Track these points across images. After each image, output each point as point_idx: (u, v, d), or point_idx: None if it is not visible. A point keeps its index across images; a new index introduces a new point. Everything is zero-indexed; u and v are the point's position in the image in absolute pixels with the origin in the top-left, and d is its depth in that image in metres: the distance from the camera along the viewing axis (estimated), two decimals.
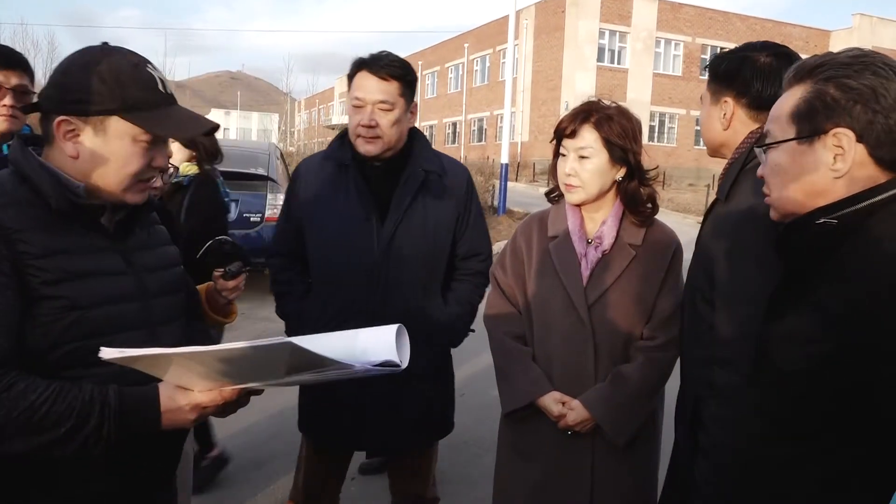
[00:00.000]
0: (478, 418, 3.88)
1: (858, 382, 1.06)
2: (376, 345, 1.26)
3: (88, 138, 1.25)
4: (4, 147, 2.16)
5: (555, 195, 2.06)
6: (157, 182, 2.18)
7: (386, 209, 2.12)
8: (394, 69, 2.07)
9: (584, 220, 1.98)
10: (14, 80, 2.16)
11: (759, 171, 1.27)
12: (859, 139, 1.10)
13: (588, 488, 1.94)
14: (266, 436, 3.71)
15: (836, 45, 32.72)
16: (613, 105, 1.96)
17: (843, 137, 1.11)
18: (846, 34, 33.55)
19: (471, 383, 4.66)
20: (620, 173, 1.93)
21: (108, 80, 1.24)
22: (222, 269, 1.63)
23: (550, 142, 2.03)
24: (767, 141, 1.23)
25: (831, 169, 1.13)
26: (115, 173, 1.28)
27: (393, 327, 1.31)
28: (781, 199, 1.21)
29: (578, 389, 1.92)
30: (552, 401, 1.91)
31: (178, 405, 1.23)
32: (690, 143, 32.12)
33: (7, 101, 2.13)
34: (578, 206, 1.97)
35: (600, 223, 1.96)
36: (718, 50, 33.42)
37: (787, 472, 1.17)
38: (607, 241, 1.93)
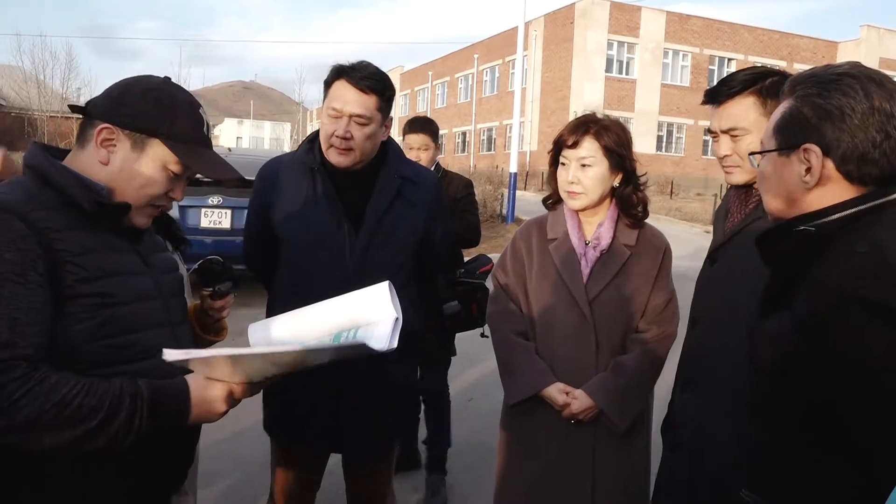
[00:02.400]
0: (487, 423, 3.80)
1: (814, 388, 1.10)
2: (373, 304, 1.38)
3: (125, 151, 1.32)
4: None
5: (551, 201, 2.20)
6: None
7: (357, 216, 2.05)
8: (374, 83, 2.00)
9: (581, 223, 2.12)
10: None
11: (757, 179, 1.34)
12: (826, 154, 1.15)
13: (590, 474, 2.05)
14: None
15: (843, 57, 32.70)
16: (608, 118, 2.12)
17: (811, 153, 1.16)
18: (853, 45, 33.52)
19: (479, 388, 4.76)
20: (617, 180, 2.08)
21: (164, 107, 1.33)
22: (211, 289, 1.62)
23: (549, 152, 2.18)
24: (760, 150, 1.29)
25: (802, 180, 1.18)
26: (135, 190, 1.33)
27: (383, 284, 1.44)
28: (769, 205, 1.27)
29: (580, 381, 2.03)
30: (556, 391, 2.02)
31: (209, 395, 1.27)
32: (698, 153, 32.17)
33: None
34: (579, 210, 2.10)
35: (597, 226, 2.11)
36: (726, 61, 32.81)
37: (775, 459, 1.23)
38: (605, 242, 2.08)
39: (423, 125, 3.46)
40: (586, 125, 2.06)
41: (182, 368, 1.27)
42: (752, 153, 1.32)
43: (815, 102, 1.16)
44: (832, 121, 1.15)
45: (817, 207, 1.17)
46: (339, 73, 2.04)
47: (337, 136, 2.00)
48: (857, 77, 1.16)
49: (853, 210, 1.14)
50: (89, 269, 1.23)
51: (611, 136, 2.05)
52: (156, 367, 1.25)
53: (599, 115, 2.11)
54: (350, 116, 1.99)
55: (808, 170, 1.17)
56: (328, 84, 2.06)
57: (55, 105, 23.72)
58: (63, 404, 1.14)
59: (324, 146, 2.07)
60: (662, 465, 1.90)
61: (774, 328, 1.18)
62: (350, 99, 1.99)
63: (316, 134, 2.16)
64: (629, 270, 2.08)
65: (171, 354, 1.16)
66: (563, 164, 2.09)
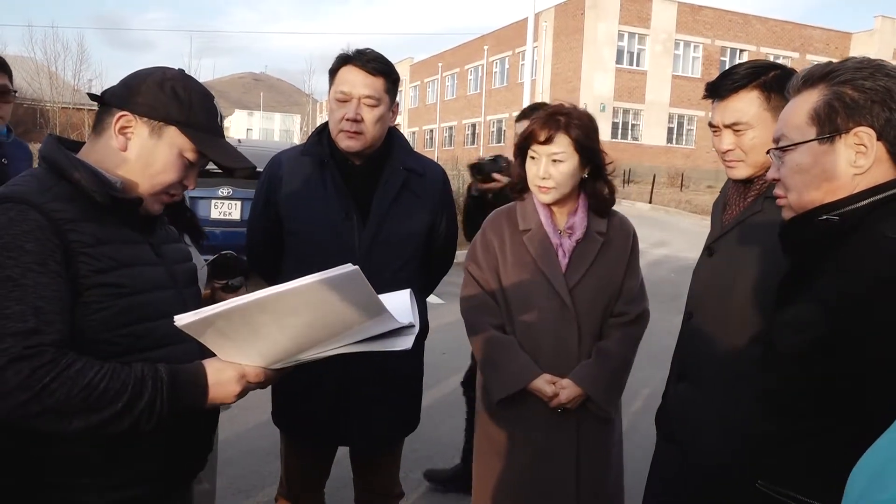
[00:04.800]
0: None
1: (846, 369, 1.12)
2: (395, 307, 1.31)
3: (142, 138, 1.34)
4: None
5: (517, 190, 2.18)
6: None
7: (365, 208, 2.07)
8: (380, 65, 2.04)
9: (553, 213, 2.12)
10: None
11: (771, 174, 1.31)
12: (879, 136, 1.16)
13: (574, 463, 2.07)
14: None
15: (857, 47, 32.40)
16: (573, 107, 2.09)
17: (864, 135, 1.17)
18: (867, 36, 33.17)
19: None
20: (586, 171, 2.09)
21: (181, 97, 1.35)
22: (223, 282, 1.63)
23: (515, 144, 2.15)
24: (783, 144, 1.27)
25: (853, 166, 1.18)
26: (151, 176, 1.36)
27: (406, 292, 1.41)
28: (802, 198, 1.25)
29: (564, 369, 2.04)
30: (544, 382, 2.01)
31: (224, 377, 1.28)
32: (709, 145, 31.54)
33: None
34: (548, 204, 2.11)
35: (569, 215, 2.11)
36: (738, 52, 32.63)
37: (783, 449, 1.24)
38: (579, 231, 2.09)
39: None
40: (557, 120, 2.03)
41: (198, 354, 1.29)
42: (775, 148, 1.30)
43: (863, 85, 1.17)
44: (882, 101, 1.16)
45: (863, 189, 1.18)
46: (345, 59, 2.06)
47: (347, 119, 2.01)
48: (890, 65, 1.19)
49: (886, 194, 1.16)
50: (103, 260, 1.26)
51: (581, 129, 2.03)
52: (172, 355, 1.28)
53: (567, 105, 2.08)
54: (359, 99, 2.01)
55: (858, 154, 1.18)
56: (333, 72, 2.09)
57: (67, 96, 23.86)
58: (89, 388, 1.16)
59: (333, 132, 2.08)
60: (656, 456, 1.92)
61: (798, 315, 1.20)
62: (358, 81, 2.02)
63: (324, 125, 2.18)
64: (603, 257, 2.10)
65: (182, 318, 1.16)
66: (533, 157, 2.07)
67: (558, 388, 2.03)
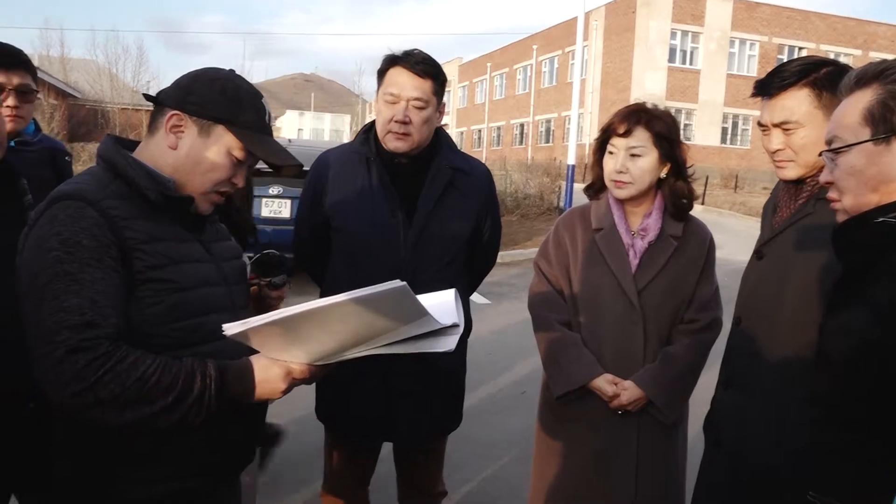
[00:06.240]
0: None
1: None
2: (440, 307, 1.33)
3: (192, 136, 1.36)
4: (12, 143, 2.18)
5: (592, 190, 2.19)
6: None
7: (411, 206, 2.09)
8: (428, 67, 2.05)
9: (626, 213, 2.11)
10: (16, 81, 2.14)
11: (824, 177, 1.28)
12: None
13: (634, 464, 2.05)
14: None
15: None
16: (654, 105, 2.10)
17: None
18: None
19: (532, 381, 4.67)
20: (665, 170, 2.06)
21: (230, 96, 1.38)
22: (267, 280, 1.67)
23: (595, 140, 2.15)
24: (836, 146, 1.24)
25: None
26: (201, 175, 1.38)
27: (451, 291, 1.42)
28: (858, 201, 1.22)
29: (627, 371, 2.04)
30: (605, 382, 2.02)
31: (270, 374, 1.30)
32: None
33: (10, 101, 2.13)
34: (625, 200, 2.09)
35: (643, 216, 2.10)
36: (796, 50, 31.63)
37: (835, 459, 1.22)
38: (652, 233, 2.07)
39: None
40: (637, 114, 2.04)
41: (246, 349, 1.31)
42: (828, 150, 1.26)
43: None
44: None
45: None
46: (394, 60, 2.08)
47: (395, 121, 2.03)
48: None
49: None
50: (156, 256, 1.29)
51: (662, 124, 2.03)
52: (221, 350, 1.31)
53: (649, 106, 2.09)
54: (408, 101, 2.03)
55: None
56: (382, 73, 2.10)
57: (126, 98, 24.67)
58: (142, 381, 1.19)
59: (381, 133, 2.10)
60: (703, 463, 1.89)
61: (849, 320, 1.18)
62: (407, 84, 2.03)
63: (371, 124, 2.20)
64: (676, 261, 2.08)
65: (230, 328, 1.19)
66: (611, 152, 2.06)
67: (620, 389, 2.01)
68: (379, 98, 2.11)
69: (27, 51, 2.29)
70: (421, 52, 2.10)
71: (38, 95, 2.31)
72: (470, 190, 2.19)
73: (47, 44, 27.85)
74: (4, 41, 2.20)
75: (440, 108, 2.14)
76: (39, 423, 1.41)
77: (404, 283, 1.16)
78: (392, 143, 2.07)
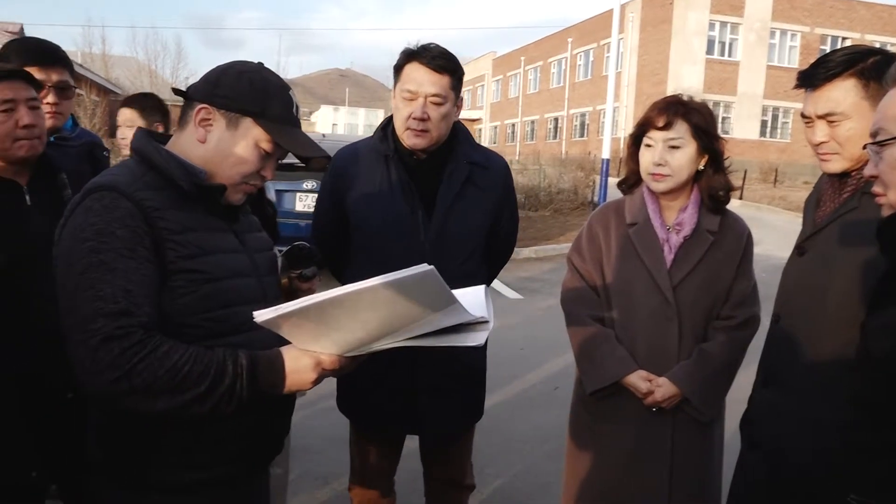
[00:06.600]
0: None
1: None
2: (470, 302, 1.33)
3: (220, 129, 1.37)
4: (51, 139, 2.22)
5: (627, 185, 2.16)
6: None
7: (430, 202, 2.09)
8: (446, 62, 2.03)
9: (661, 207, 2.08)
10: (55, 77, 2.17)
11: (869, 171, 1.26)
12: None
13: (668, 463, 2.02)
14: None
15: None
16: (690, 97, 2.07)
17: None
18: None
19: (565, 377, 4.63)
20: (703, 162, 2.03)
21: (257, 88, 1.38)
22: (298, 272, 1.68)
23: (630, 135, 2.12)
24: (881, 138, 1.21)
25: None
26: (229, 167, 1.39)
27: (480, 288, 1.41)
28: None
29: (661, 368, 2.01)
30: (639, 378, 1.99)
31: (301, 365, 1.30)
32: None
33: (50, 98, 2.16)
34: (661, 194, 2.06)
35: (678, 210, 2.06)
36: (840, 40, 30.70)
37: (878, 461, 1.22)
38: (688, 228, 2.03)
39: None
40: (675, 106, 2.01)
41: (276, 341, 1.31)
42: (873, 142, 1.22)
43: None
44: None
45: None
46: (410, 55, 2.06)
47: (414, 118, 2.02)
48: None
49: None
50: (188, 246, 1.30)
51: (700, 116, 2.01)
52: (252, 340, 1.32)
53: (685, 98, 2.07)
54: (426, 97, 2.01)
55: None
56: (399, 68, 2.09)
57: (165, 94, 25.10)
58: (175, 370, 1.20)
59: (399, 130, 2.09)
60: (739, 464, 1.85)
61: (894, 318, 1.15)
62: (424, 80, 2.02)
63: (388, 120, 2.19)
64: (712, 256, 2.04)
65: (261, 315, 1.19)
66: (649, 145, 2.03)
67: (654, 385, 1.99)
68: (396, 94, 2.09)
69: (70, 48, 2.36)
70: (438, 46, 2.07)
71: (80, 91, 2.36)
72: (488, 184, 2.18)
73: (89, 41, 28.35)
74: (44, 38, 2.24)
75: (458, 103, 2.12)
76: (79, 411, 1.43)
77: (432, 266, 1.15)
78: (410, 140, 2.06)
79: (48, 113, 2.13)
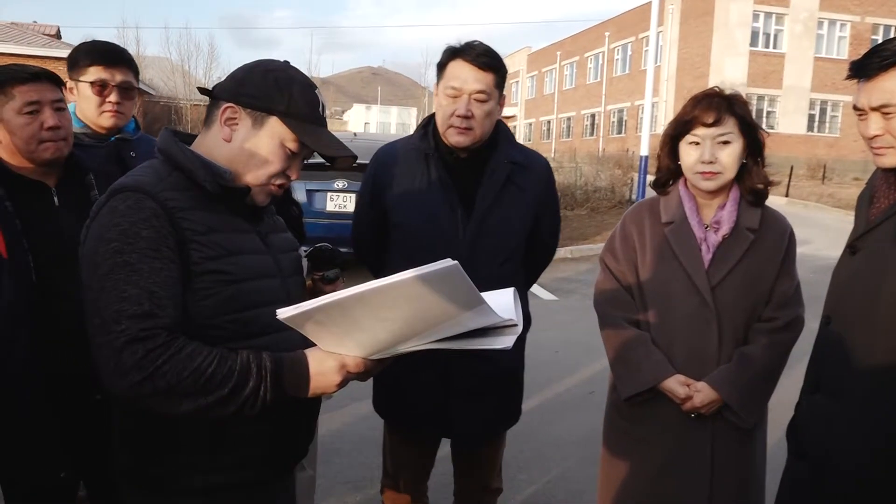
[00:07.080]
0: None
1: None
2: (498, 305, 1.29)
3: (246, 128, 1.36)
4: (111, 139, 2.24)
5: (661, 184, 2.09)
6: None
7: (470, 201, 2.08)
8: (490, 59, 2.02)
9: (699, 205, 2.02)
10: (119, 77, 2.19)
11: None
12: None
13: (708, 472, 1.96)
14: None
15: None
16: (720, 89, 2.00)
17: None
18: None
19: (600, 381, 4.69)
20: (744, 158, 1.97)
21: (283, 87, 1.37)
22: (321, 273, 1.67)
23: (669, 133, 2.03)
24: None
25: None
26: (255, 167, 1.38)
27: (509, 290, 1.38)
28: None
29: (700, 372, 1.94)
30: (677, 383, 1.93)
31: (325, 367, 1.29)
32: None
33: (113, 97, 2.17)
34: (701, 192, 1.99)
35: (717, 208, 1.99)
36: (892, 29, 29.77)
37: None
38: (727, 226, 1.96)
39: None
40: (720, 100, 1.95)
41: (301, 343, 1.30)
42: None
43: None
44: None
45: None
46: (454, 53, 2.05)
47: (458, 116, 2.01)
48: None
49: None
50: (213, 247, 1.30)
51: (744, 107, 1.95)
52: (276, 342, 1.31)
53: (726, 91, 1.99)
54: (470, 94, 2.00)
55: None
56: (442, 66, 2.08)
57: (198, 94, 25.52)
58: (199, 372, 1.20)
59: (442, 127, 2.08)
60: (786, 473, 1.78)
61: None
62: (469, 77, 2.01)
63: (430, 118, 2.18)
64: (752, 256, 1.96)
65: (284, 312, 1.17)
66: (696, 143, 1.95)
67: (692, 390, 1.92)
68: (439, 92, 2.08)
69: None
70: (482, 43, 2.06)
71: (150, 93, 2.36)
72: (529, 184, 2.16)
73: (124, 42, 28.96)
74: (111, 41, 2.31)
75: (501, 101, 2.10)
76: (106, 413, 1.44)
77: (456, 261, 1.12)
78: (454, 138, 2.05)
79: (110, 112, 2.17)
